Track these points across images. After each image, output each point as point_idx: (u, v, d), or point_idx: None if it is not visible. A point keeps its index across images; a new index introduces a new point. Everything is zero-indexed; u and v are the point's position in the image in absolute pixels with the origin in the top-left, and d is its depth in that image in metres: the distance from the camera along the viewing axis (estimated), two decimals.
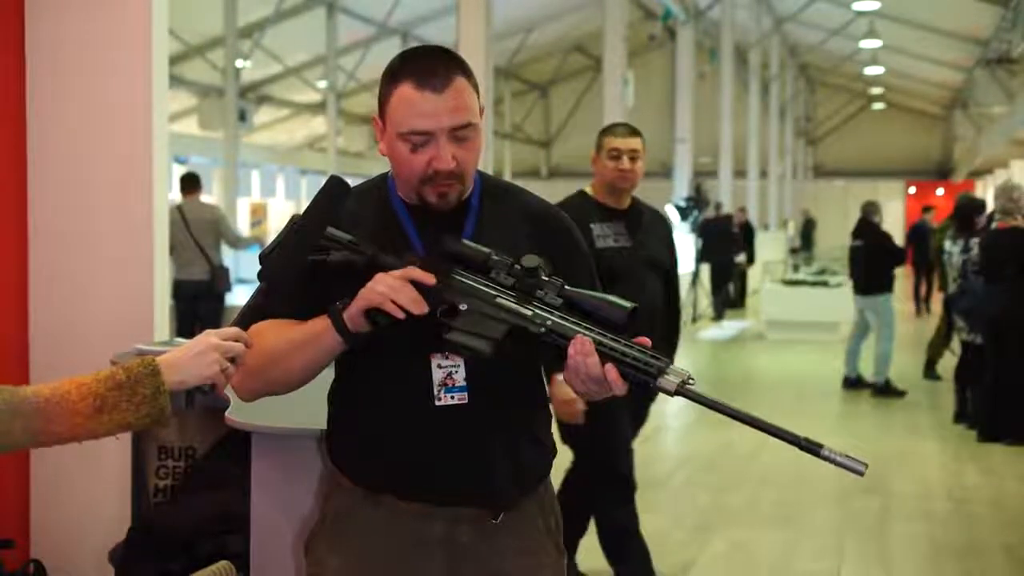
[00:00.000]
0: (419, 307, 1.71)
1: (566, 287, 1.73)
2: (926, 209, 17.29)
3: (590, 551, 4.49)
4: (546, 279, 1.73)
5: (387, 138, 1.81)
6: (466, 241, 1.78)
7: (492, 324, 1.72)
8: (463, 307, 1.74)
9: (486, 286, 1.75)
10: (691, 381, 1.64)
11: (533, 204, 1.96)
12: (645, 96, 22.14)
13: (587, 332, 1.69)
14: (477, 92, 1.82)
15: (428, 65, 1.77)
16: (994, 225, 7.40)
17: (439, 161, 1.76)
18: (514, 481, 1.88)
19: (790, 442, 1.61)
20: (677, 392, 1.62)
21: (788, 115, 27.23)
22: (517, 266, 1.75)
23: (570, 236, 1.96)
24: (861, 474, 1.59)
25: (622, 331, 1.69)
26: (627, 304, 1.70)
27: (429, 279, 1.72)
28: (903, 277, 18.85)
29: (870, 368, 9.40)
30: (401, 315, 1.70)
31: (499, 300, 1.74)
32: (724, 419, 1.69)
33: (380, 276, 1.72)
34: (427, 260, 1.77)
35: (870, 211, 9.31)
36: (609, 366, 1.66)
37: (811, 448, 1.59)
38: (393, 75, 1.79)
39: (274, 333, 1.79)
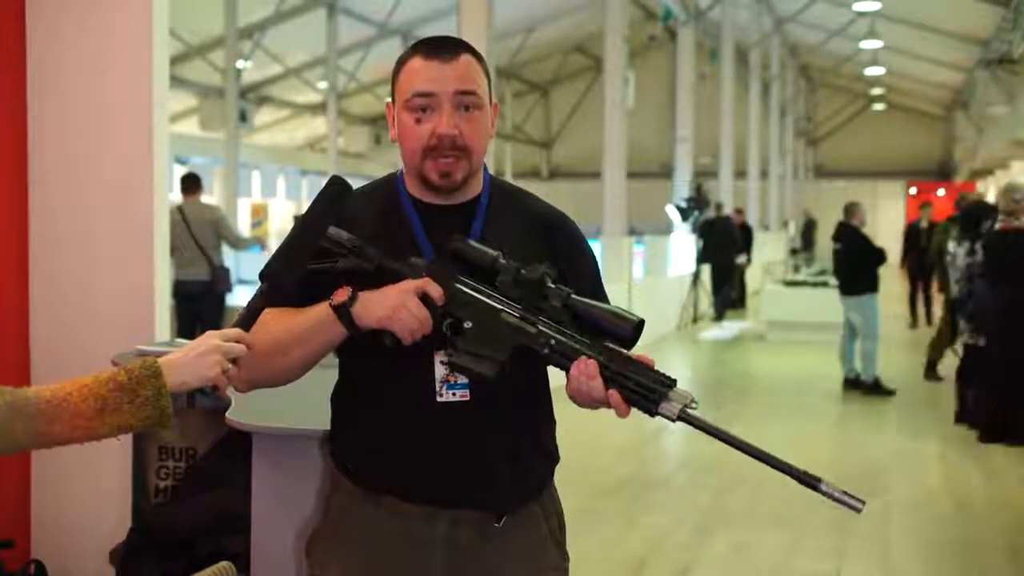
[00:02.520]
0: (428, 331, 1.72)
1: (572, 297, 1.73)
2: (923, 205, 15.51)
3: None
4: (552, 287, 1.73)
5: (397, 116, 1.83)
6: (473, 242, 1.78)
7: (497, 344, 1.72)
8: (467, 325, 1.73)
9: (491, 298, 1.75)
10: (693, 405, 1.64)
11: (540, 208, 1.96)
12: (646, 96, 22.18)
13: (591, 353, 1.69)
14: (488, 79, 1.86)
15: (436, 42, 1.83)
16: (996, 226, 7.39)
17: (440, 125, 1.77)
18: (516, 483, 1.87)
19: (789, 475, 1.62)
20: (679, 418, 1.63)
21: (788, 115, 27.24)
22: (523, 271, 1.74)
23: (576, 241, 1.96)
24: (859, 511, 1.59)
25: (627, 344, 1.69)
26: (634, 317, 1.70)
27: (439, 296, 1.72)
28: (892, 279, 18.84)
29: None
30: (410, 341, 1.72)
31: (504, 316, 1.73)
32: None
33: (400, 298, 1.71)
34: (434, 269, 1.76)
35: (849, 213, 9.37)
36: (612, 391, 1.67)
37: (810, 482, 1.60)
38: (404, 55, 1.85)
39: (274, 324, 1.78)
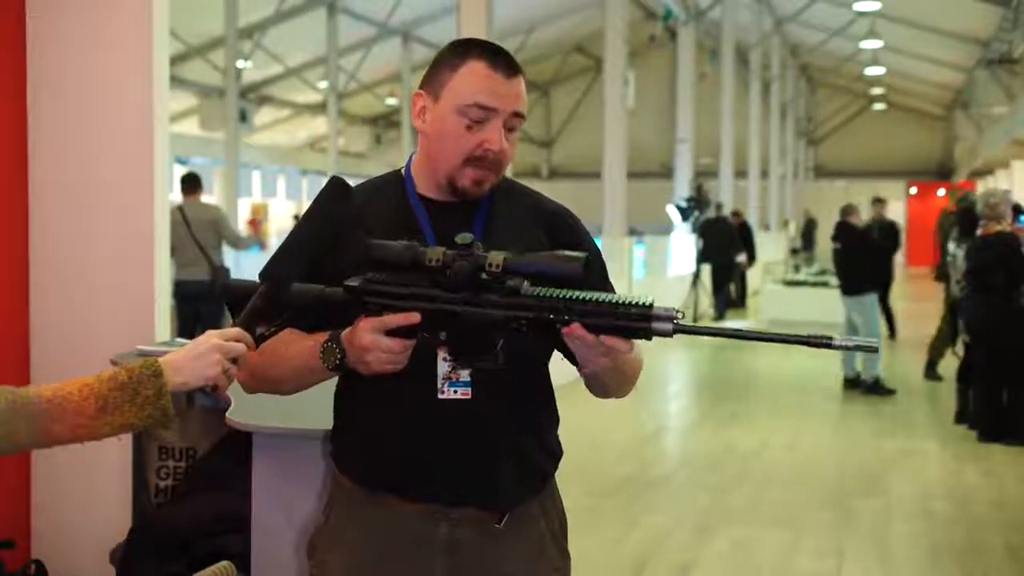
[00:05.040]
0: (406, 359, 1.71)
1: (508, 258, 1.64)
2: (874, 202, 12.13)
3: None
4: (484, 257, 1.64)
5: (437, 111, 1.81)
6: (384, 242, 1.70)
7: (479, 339, 1.67)
8: (443, 336, 1.70)
9: (442, 300, 1.67)
10: (679, 315, 1.60)
11: (543, 203, 1.96)
12: (646, 96, 22.20)
13: (566, 316, 1.62)
14: None
15: (498, 51, 1.81)
16: (978, 232, 7.43)
17: (492, 142, 1.77)
18: (518, 482, 1.87)
19: (799, 343, 1.57)
20: (675, 331, 1.59)
21: (789, 115, 27.25)
22: (451, 250, 1.66)
23: (579, 236, 1.95)
24: (875, 351, 1.58)
25: (580, 283, 1.63)
26: (579, 255, 1.63)
27: (412, 319, 1.67)
28: None
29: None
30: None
31: (468, 318, 1.67)
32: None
33: (365, 342, 1.68)
34: (375, 306, 1.70)
35: (847, 213, 9.39)
36: (604, 338, 1.62)
37: (821, 342, 1.56)
38: (461, 51, 1.81)
39: (279, 354, 1.81)
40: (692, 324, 1.63)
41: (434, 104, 1.81)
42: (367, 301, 1.70)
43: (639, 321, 1.59)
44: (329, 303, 1.73)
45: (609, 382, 1.80)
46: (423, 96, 1.83)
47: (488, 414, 1.82)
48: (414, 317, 1.67)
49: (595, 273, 1.87)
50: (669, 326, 1.59)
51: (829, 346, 1.57)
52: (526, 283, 1.64)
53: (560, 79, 30.56)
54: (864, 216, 9.46)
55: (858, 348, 1.58)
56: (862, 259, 9.24)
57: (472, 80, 1.77)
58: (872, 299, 9.22)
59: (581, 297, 1.62)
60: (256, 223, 26.58)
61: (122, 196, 3.51)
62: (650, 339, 1.62)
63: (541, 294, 1.63)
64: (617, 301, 1.61)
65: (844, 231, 9.36)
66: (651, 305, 1.59)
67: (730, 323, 15.25)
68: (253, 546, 2.61)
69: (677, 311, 1.59)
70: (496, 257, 1.63)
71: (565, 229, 1.94)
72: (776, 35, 24.04)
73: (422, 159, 1.88)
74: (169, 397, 1.60)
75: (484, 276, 1.64)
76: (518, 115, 1.81)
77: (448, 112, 1.79)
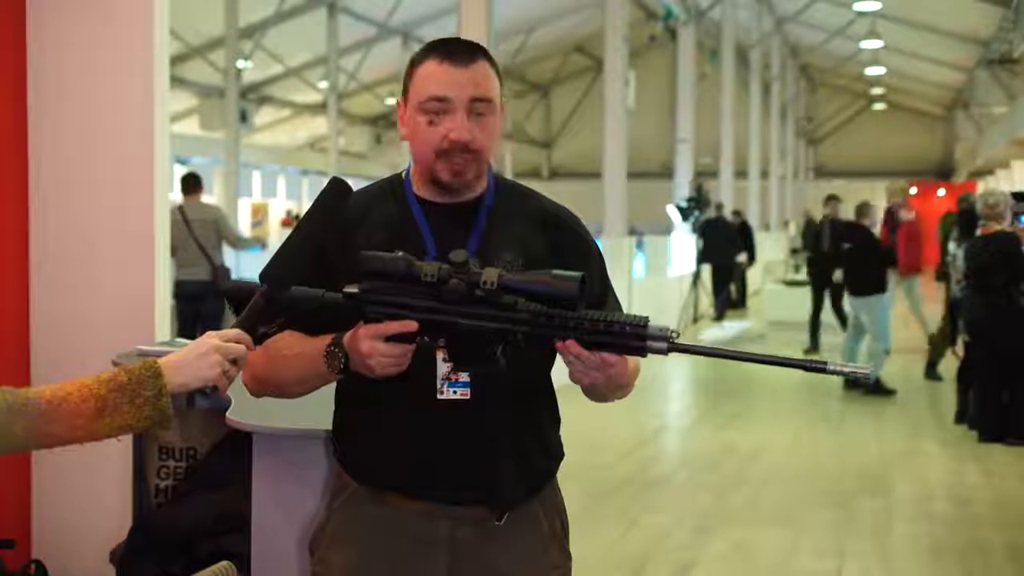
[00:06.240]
0: (407, 362, 1.72)
1: (503, 275, 1.64)
2: (827, 200, 11.68)
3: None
4: (479, 273, 1.65)
5: (408, 115, 1.83)
6: (378, 253, 1.69)
7: (479, 348, 1.68)
8: (441, 342, 1.71)
9: (438, 312, 1.68)
10: (674, 334, 1.62)
11: (545, 206, 1.96)
12: (646, 96, 22.17)
13: (561, 332, 1.64)
14: (500, 83, 1.86)
15: (453, 45, 1.82)
16: (977, 232, 7.44)
17: (456, 131, 1.77)
18: (518, 481, 1.87)
19: (795, 367, 1.59)
20: (670, 350, 1.61)
21: (789, 115, 27.26)
22: (445, 265, 1.66)
23: (581, 238, 1.95)
24: (868, 378, 1.59)
25: (577, 303, 1.63)
26: (575, 274, 1.63)
27: (409, 327, 1.68)
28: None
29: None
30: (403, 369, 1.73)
31: (464, 327, 1.67)
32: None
33: (363, 348, 1.69)
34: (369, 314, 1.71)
35: (860, 213, 9.37)
36: (600, 355, 1.64)
37: (816, 367, 1.59)
38: (419, 55, 1.84)
39: (283, 358, 1.82)
40: (687, 343, 1.64)
41: (405, 109, 1.85)
42: (366, 310, 1.71)
43: (634, 340, 1.61)
44: (329, 310, 1.74)
45: (604, 389, 1.81)
46: (401, 105, 1.87)
47: (487, 414, 1.82)
48: (411, 325, 1.68)
49: (595, 279, 1.87)
50: (663, 345, 1.61)
51: (823, 371, 1.58)
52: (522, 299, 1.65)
53: (560, 79, 30.56)
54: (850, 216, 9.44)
55: (852, 375, 1.60)
56: (871, 261, 9.22)
57: (424, 77, 1.80)
58: (879, 300, 9.22)
59: (577, 314, 1.63)
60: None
61: (122, 196, 3.51)
62: (644, 356, 1.64)
63: (537, 308, 1.64)
64: (612, 319, 1.62)
65: (855, 231, 9.34)
66: (646, 324, 1.61)
67: (729, 323, 15.25)
68: (253, 546, 2.61)
69: (672, 330, 1.61)
70: (491, 275, 1.64)
71: (566, 231, 1.94)
72: (776, 35, 24.05)
73: (413, 163, 1.89)
74: (168, 398, 1.60)
75: (478, 293, 1.65)
76: (481, 99, 1.80)
77: (413, 113, 1.81)
